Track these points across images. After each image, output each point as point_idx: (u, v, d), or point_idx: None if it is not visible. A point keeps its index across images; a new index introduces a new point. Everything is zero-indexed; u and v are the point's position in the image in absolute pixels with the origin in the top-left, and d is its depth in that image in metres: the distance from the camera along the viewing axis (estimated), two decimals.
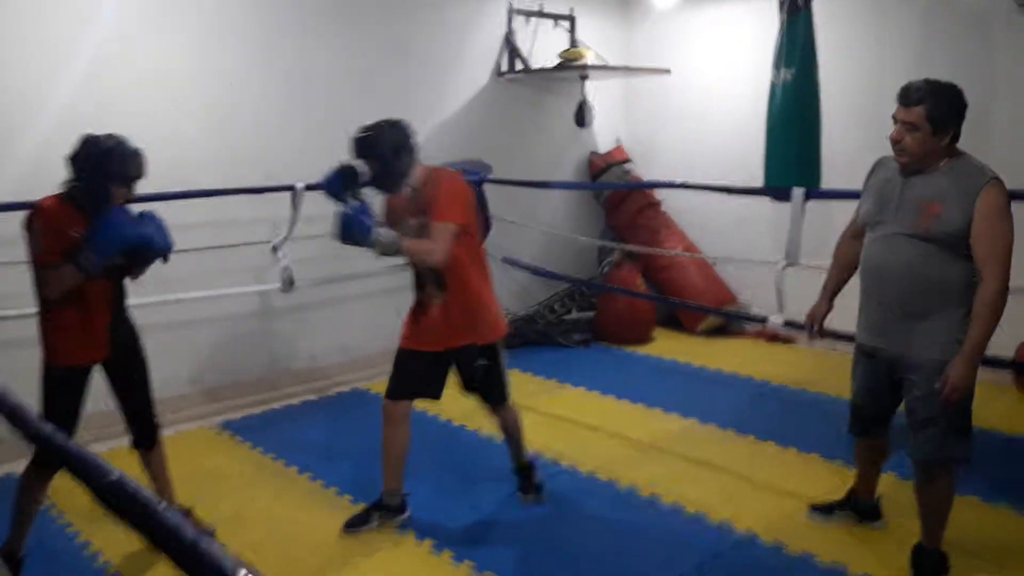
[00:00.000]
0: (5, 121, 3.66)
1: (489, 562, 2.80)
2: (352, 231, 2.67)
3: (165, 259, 2.77)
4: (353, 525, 3.03)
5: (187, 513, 2.98)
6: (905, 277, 2.45)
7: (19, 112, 3.70)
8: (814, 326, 2.90)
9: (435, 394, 3.07)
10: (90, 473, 1.12)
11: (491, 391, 3.10)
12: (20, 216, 2.78)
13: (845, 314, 4.55)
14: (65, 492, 3.21)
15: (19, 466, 3.17)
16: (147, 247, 2.68)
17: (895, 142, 2.43)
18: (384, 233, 2.71)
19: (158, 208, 3.03)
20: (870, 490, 3.00)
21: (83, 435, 3.78)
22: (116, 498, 1.06)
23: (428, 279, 2.92)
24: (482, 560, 2.81)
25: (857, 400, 2.80)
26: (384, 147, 2.77)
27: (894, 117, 2.44)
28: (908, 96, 2.40)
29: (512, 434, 3.23)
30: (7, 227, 3.44)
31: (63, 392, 2.68)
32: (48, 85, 3.75)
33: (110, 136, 2.65)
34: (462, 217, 2.82)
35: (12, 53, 3.66)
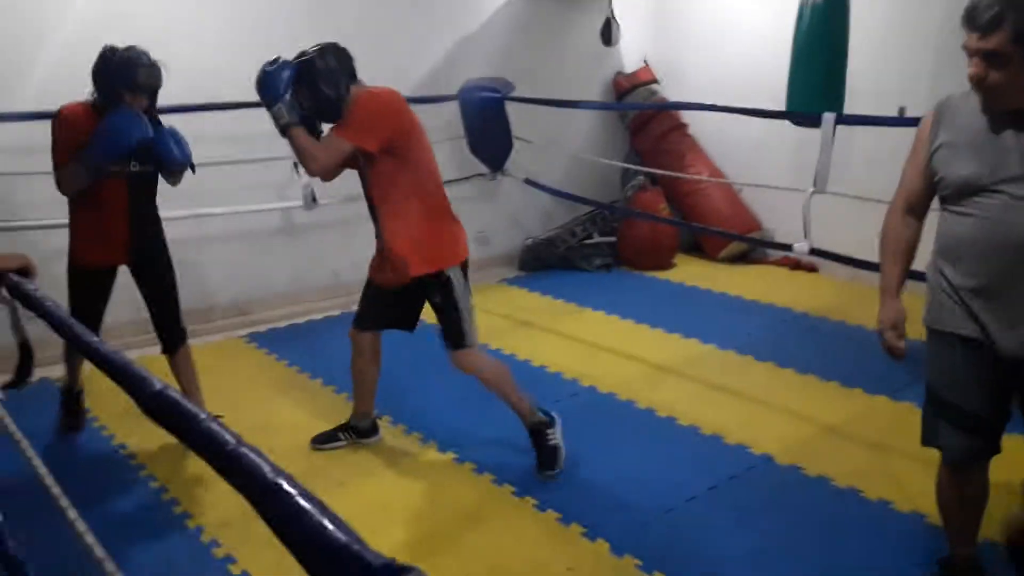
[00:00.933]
0: (28, 29, 3.62)
1: (509, 476, 2.87)
2: (264, 88, 2.56)
3: (192, 170, 2.81)
4: (320, 441, 3.08)
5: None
6: None
7: (40, 21, 3.64)
8: (899, 336, 2.11)
9: (404, 326, 2.96)
10: (135, 384, 1.14)
11: (443, 332, 2.81)
12: (47, 124, 2.81)
13: (868, 244, 4.52)
14: (101, 395, 3.32)
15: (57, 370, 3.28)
16: (158, 153, 2.76)
17: (977, 80, 1.80)
18: (288, 110, 2.54)
19: (179, 120, 3.03)
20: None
21: (116, 341, 3.90)
22: (160, 408, 1.08)
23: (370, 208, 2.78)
24: (503, 474, 2.89)
25: (968, 405, 2.02)
26: (314, 75, 2.59)
27: (965, 47, 1.80)
28: (977, 18, 1.74)
29: (492, 389, 2.89)
30: (35, 136, 3.46)
31: (81, 290, 2.87)
32: (63, 8, 3.70)
33: (128, 48, 2.73)
34: (364, 139, 2.55)
35: None
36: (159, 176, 2.92)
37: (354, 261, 4.90)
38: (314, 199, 4.36)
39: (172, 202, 3.64)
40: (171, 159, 2.80)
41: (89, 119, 2.70)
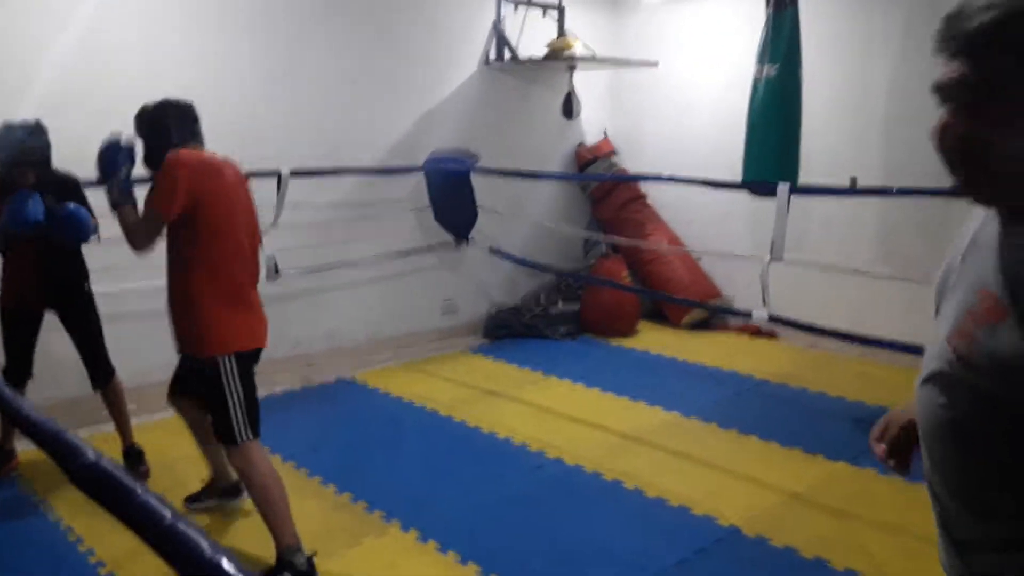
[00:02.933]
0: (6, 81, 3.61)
1: (475, 553, 2.80)
2: (100, 162, 2.56)
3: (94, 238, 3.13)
4: (191, 500, 3.09)
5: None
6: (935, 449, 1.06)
7: (9, 98, 3.62)
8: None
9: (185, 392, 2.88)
10: (66, 454, 1.09)
11: (213, 420, 2.64)
12: None
13: (827, 310, 4.62)
14: (45, 475, 3.19)
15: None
16: (53, 234, 3.01)
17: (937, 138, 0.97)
18: (118, 188, 2.52)
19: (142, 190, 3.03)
20: None
21: (66, 420, 3.76)
22: (93, 480, 1.03)
23: None
24: (468, 551, 2.81)
25: None
26: (143, 125, 2.62)
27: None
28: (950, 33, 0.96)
29: (253, 496, 2.63)
30: None
31: (8, 329, 3.29)
32: (37, 55, 3.70)
33: (5, 122, 3.03)
34: (164, 204, 2.45)
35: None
36: None
37: (317, 332, 4.89)
38: (277, 270, 4.33)
39: (134, 273, 3.61)
40: (65, 240, 3.08)
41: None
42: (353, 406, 4.29)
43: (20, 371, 3.29)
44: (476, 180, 4.99)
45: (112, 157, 2.55)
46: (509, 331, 5.60)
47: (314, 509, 3.11)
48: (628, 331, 5.66)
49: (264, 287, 4.47)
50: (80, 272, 3.33)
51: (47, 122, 3.14)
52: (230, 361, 2.54)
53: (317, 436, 3.88)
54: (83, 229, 3.04)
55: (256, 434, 2.63)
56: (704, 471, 3.49)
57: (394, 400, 4.39)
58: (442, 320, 5.56)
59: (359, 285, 5.04)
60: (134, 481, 0.96)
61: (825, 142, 4.99)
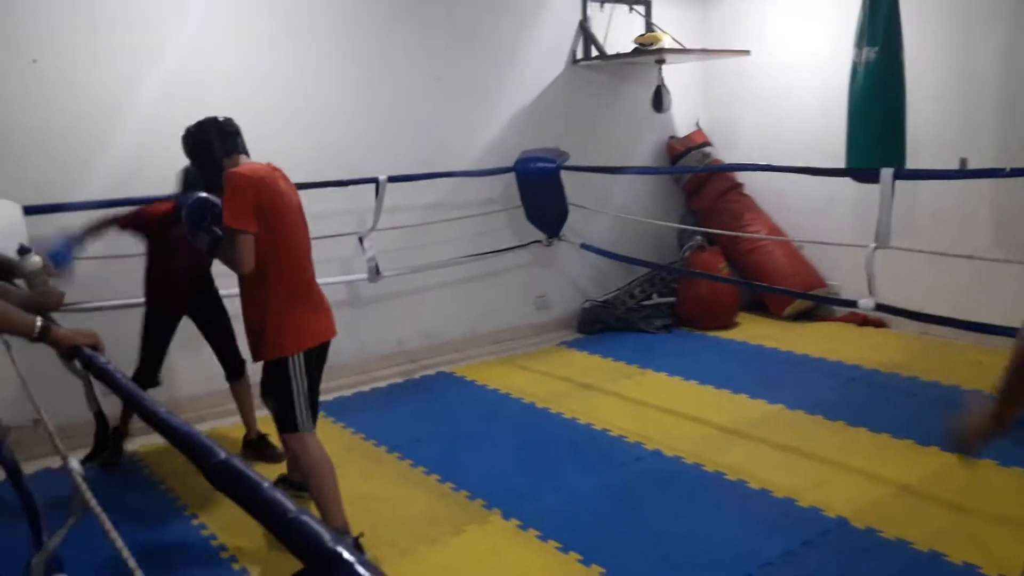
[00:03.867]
0: (95, 128, 3.89)
1: (576, 542, 2.83)
2: (187, 220, 2.70)
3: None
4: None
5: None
6: None
7: (112, 112, 3.93)
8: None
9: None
10: (199, 453, 1.20)
11: (277, 408, 2.75)
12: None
13: (938, 297, 4.41)
14: (176, 472, 3.45)
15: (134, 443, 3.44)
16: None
17: None
18: (207, 237, 2.67)
19: None
20: None
21: (188, 415, 4.06)
22: (224, 477, 1.13)
23: None
24: (569, 540, 2.85)
25: None
26: (188, 146, 2.80)
27: None
28: None
29: (305, 478, 2.76)
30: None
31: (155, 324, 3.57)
32: (137, 85, 3.97)
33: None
34: (242, 221, 2.53)
35: (104, 56, 3.88)
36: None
37: (416, 330, 5.06)
38: (378, 271, 4.51)
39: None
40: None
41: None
42: (453, 399, 4.41)
43: (152, 376, 3.53)
44: (566, 177, 5.03)
45: (199, 212, 2.69)
46: (603, 325, 5.60)
47: (418, 497, 3.23)
48: (727, 323, 5.56)
49: (367, 288, 4.74)
50: (212, 280, 3.65)
51: (146, 151, 3.48)
52: (299, 358, 2.68)
53: (419, 428, 4.01)
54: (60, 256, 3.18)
55: (314, 424, 2.77)
56: (810, 463, 3.41)
57: (491, 392, 4.48)
58: (536, 316, 5.63)
59: (455, 284, 5.18)
60: (261, 477, 1.05)
61: (933, 125, 4.76)
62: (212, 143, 2.74)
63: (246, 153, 2.82)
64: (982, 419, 1.65)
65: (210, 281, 3.65)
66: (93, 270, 3.68)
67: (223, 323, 3.65)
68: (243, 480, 1.09)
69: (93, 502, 1.97)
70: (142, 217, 3.45)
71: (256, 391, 3.56)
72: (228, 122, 2.80)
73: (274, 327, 2.65)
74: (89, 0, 3.82)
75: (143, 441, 3.74)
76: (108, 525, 1.96)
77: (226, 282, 3.57)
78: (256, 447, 3.68)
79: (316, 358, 2.78)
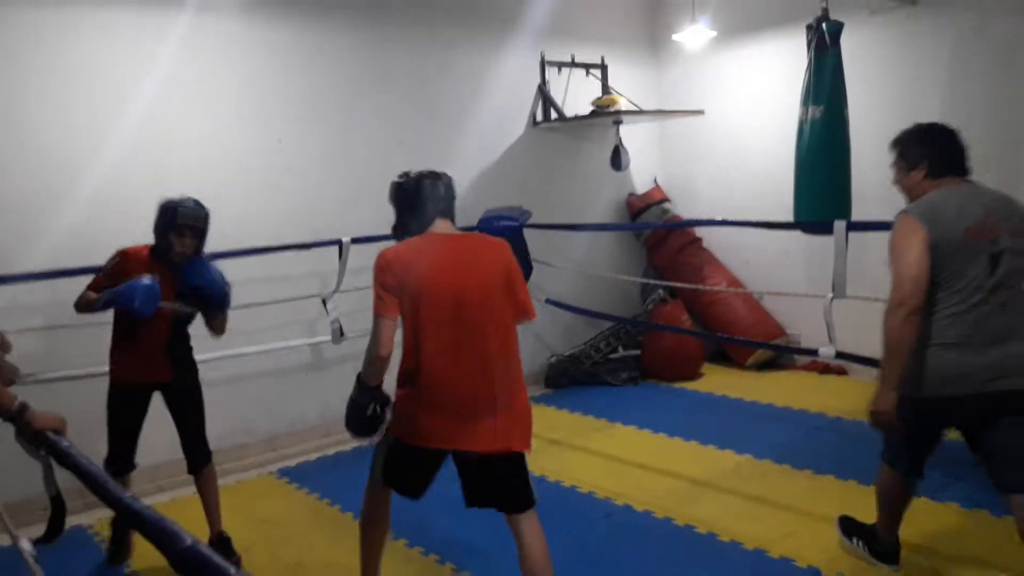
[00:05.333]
0: (58, 180, 3.84)
1: None
2: (352, 418, 2.61)
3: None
4: None
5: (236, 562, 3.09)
6: None
7: (70, 172, 3.88)
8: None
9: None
10: (165, 539, 1.18)
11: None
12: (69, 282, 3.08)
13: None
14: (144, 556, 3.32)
15: (85, 518, 3.32)
16: (207, 294, 3.08)
17: None
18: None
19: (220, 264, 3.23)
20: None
21: (149, 485, 3.94)
22: (189, 564, 1.12)
23: None
24: None
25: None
26: (393, 200, 2.62)
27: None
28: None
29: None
30: (58, 292, 3.61)
31: (119, 409, 3.14)
32: (96, 148, 3.93)
33: (180, 197, 3.09)
34: (380, 307, 2.37)
35: (64, 115, 3.85)
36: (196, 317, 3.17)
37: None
38: (342, 333, 4.48)
39: (206, 343, 3.78)
40: (213, 306, 3.10)
41: (144, 262, 3.02)
42: None
43: (125, 460, 3.14)
44: (529, 234, 5.09)
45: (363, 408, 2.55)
46: (570, 379, 5.61)
47: (386, 564, 3.13)
48: (692, 374, 5.60)
49: (331, 350, 4.69)
50: (190, 348, 3.25)
51: (110, 204, 3.41)
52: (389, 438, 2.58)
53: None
54: (225, 292, 3.12)
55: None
56: (780, 513, 3.41)
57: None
58: None
59: None
60: (228, 564, 1.05)
61: (879, 177, 4.91)
62: (409, 205, 2.56)
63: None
64: (882, 400, 2.55)
65: (188, 350, 3.24)
66: (38, 342, 3.61)
67: (197, 406, 3.22)
68: (209, 567, 1.08)
69: None
70: (128, 259, 3.04)
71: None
72: (427, 184, 2.55)
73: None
74: (37, 67, 3.80)
75: (98, 515, 3.61)
76: None
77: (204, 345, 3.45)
78: (218, 546, 3.17)
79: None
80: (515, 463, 2.45)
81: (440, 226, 2.50)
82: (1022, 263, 2.42)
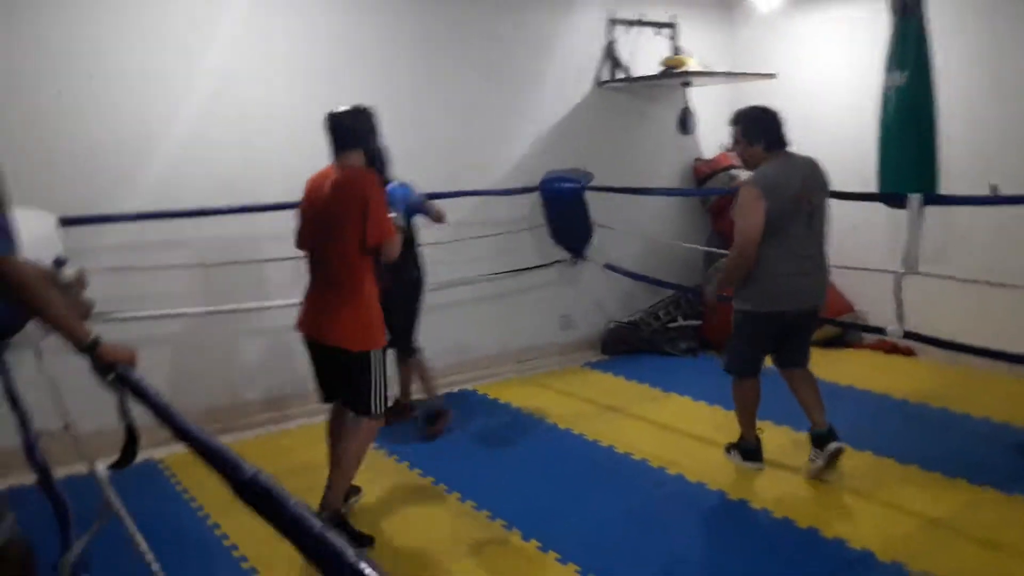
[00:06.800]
0: (138, 144, 4.00)
1: (595, 566, 2.81)
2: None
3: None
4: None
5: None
6: None
7: (147, 138, 4.02)
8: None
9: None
10: (228, 469, 1.23)
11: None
12: (158, 225, 3.11)
13: (968, 326, 4.34)
14: (200, 482, 3.48)
15: (156, 452, 3.49)
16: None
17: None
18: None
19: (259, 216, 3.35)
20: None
21: (214, 425, 4.10)
22: (251, 493, 1.16)
23: None
24: (589, 564, 2.82)
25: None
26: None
27: None
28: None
29: (344, 458, 3.07)
30: (145, 235, 3.82)
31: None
32: (170, 116, 4.06)
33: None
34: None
35: (140, 88, 3.98)
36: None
37: (442, 347, 5.01)
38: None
39: (264, 291, 3.88)
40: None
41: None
42: (475, 417, 4.41)
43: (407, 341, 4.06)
44: (591, 197, 5.04)
45: (391, 198, 3.16)
46: (627, 347, 5.58)
47: (439, 515, 3.23)
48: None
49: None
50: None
51: (182, 169, 3.72)
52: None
53: (442, 446, 4.02)
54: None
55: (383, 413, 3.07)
56: (835, 493, 3.36)
57: (514, 412, 4.48)
58: (560, 335, 5.62)
59: (480, 302, 5.19)
60: (287, 493, 1.08)
61: (967, 149, 4.70)
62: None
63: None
64: (711, 295, 3.62)
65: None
66: (116, 280, 3.75)
67: (409, 306, 4.02)
68: (271, 496, 1.12)
69: (119, 507, 2.00)
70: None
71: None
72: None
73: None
74: (136, 26, 3.93)
75: (168, 450, 3.77)
76: (133, 529, 1.99)
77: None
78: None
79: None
80: (345, 362, 2.92)
81: (339, 162, 2.97)
82: (822, 214, 3.39)
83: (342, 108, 2.96)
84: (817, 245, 3.39)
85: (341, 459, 3.01)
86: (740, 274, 3.32)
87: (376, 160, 3.18)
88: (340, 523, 2.96)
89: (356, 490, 3.29)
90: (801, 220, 3.28)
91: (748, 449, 3.65)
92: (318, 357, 3.05)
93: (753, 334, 3.45)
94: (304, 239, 3.05)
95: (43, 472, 2.15)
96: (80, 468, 2.08)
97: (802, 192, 3.28)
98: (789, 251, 3.28)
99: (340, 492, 3.01)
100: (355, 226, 2.82)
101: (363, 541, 2.96)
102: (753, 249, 3.24)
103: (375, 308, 2.94)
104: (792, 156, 3.41)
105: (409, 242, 3.76)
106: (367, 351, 2.92)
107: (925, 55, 3.90)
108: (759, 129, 3.39)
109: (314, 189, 2.98)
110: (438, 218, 3.85)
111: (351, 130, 2.93)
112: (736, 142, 3.47)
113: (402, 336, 4.01)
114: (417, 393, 4.31)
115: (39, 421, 2.21)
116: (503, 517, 3.20)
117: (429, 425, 4.11)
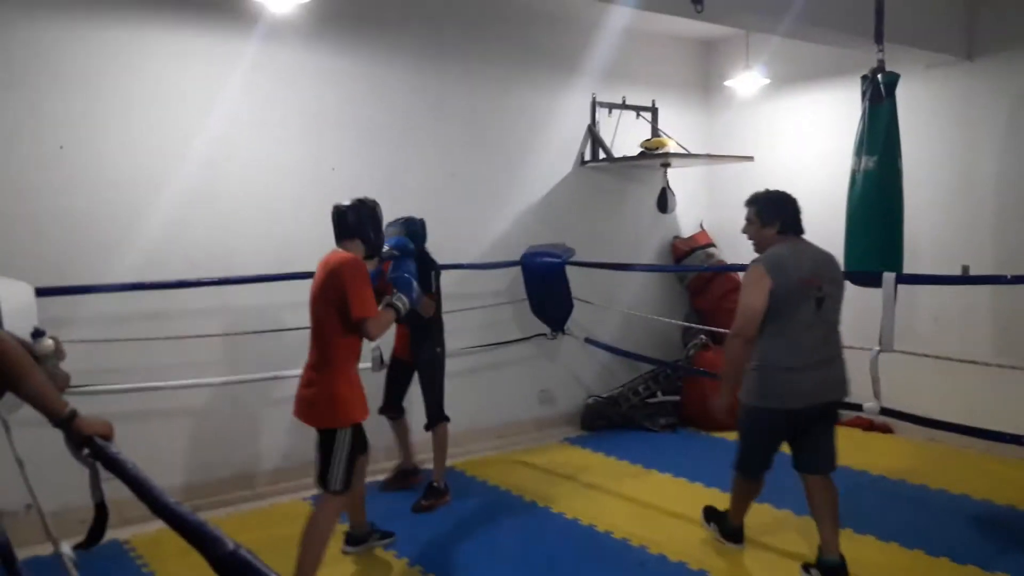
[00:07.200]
0: (135, 203, 4.00)
1: None
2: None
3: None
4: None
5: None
6: None
7: (144, 197, 4.04)
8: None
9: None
10: (208, 544, 1.20)
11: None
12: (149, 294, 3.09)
13: (944, 403, 4.38)
14: (166, 559, 3.35)
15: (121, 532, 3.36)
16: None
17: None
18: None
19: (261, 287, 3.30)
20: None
21: (195, 501, 3.98)
22: (232, 569, 1.14)
23: None
24: None
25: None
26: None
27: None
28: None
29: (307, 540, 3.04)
30: (139, 303, 3.78)
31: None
32: (167, 176, 4.08)
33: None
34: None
35: (143, 135, 4.03)
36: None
37: (416, 421, 4.98)
38: (382, 361, 4.51)
39: (244, 365, 3.83)
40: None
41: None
42: (453, 495, 4.32)
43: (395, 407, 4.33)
44: (572, 273, 5.10)
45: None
46: (607, 422, 5.55)
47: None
48: (732, 424, 5.47)
49: (370, 378, 4.71)
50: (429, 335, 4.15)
51: (181, 224, 3.58)
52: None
53: (416, 525, 3.92)
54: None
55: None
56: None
57: (492, 489, 4.40)
58: (539, 410, 5.59)
59: (458, 375, 5.15)
60: (269, 569, 1.07)
61: (933, 232, 4.86)
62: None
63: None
64: (724, 400, 3.28)
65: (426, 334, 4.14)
66: (91, 352, 3.70)
67: (426, 376, 4.23)
68: (252, 572, 1.10)
69: None
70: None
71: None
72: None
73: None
74: (116, 88, 3.96)
75: (133, 530, 3.64)
76: None
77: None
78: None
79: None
80: (322, 439, 3.03)
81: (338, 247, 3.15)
82: (836, 305, 3.20)
83: (346, 202, 3.17)
84: (828, 335, 3.17)
85: (304, 535, 2.97)
86: (739, 363, 3.12)
87: (375, 246, 3.26)
88: None
89: (389, 535, 3.63)
90: (809, 306, 3.08)
91: (730, 530, 3.59)
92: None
93: (752, 430, 3.28)
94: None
95: (5, 553, 2.07)
96: (44, 548, 2.01)
97: (811, 277, 3.11)
98: (793, 342, 3.08)
99: (308, 569, 2.92)
100: (331, 307, 2.96)
101: None
102: (752, 330, 3.06)
103: (348, 387, 2.99)
104: (806, 243, 3.28)
105: (434, 317, 4.12)
106: (333, 428, 2.98)
107: (894, 140, 4.07)
108: (775, 211, 3.28)
109: (316, 272, 3.13)
110: (425, 310, 3.99)
111: (350, 221, 3.13)
112: (750, 223, 3.33)
113: (431, 405, 4.23)
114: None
115: (1, 499, 2.14)
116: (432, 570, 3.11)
117: (424, 498, 4.12)
